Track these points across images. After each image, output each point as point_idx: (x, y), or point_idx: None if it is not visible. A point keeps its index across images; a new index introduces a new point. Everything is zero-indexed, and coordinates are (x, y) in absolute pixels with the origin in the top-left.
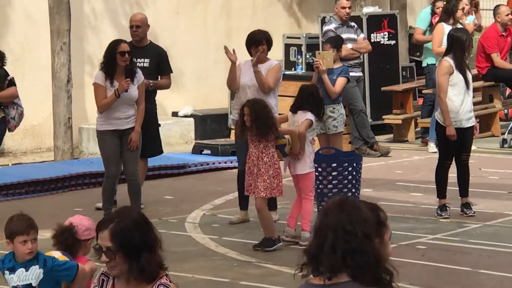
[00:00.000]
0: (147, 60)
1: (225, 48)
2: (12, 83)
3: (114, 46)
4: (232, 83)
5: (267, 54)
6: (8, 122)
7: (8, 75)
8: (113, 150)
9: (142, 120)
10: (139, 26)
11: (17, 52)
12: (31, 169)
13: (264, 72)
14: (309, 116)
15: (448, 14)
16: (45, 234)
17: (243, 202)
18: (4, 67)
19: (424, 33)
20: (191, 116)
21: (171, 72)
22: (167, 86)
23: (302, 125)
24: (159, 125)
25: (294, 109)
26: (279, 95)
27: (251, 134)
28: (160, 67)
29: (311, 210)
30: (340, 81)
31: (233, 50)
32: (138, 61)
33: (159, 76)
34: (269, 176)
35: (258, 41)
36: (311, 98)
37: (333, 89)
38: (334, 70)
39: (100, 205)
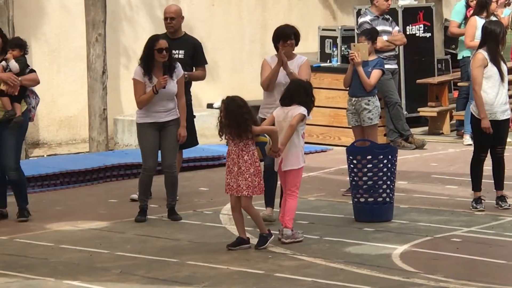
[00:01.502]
0: (181, 52)
1: (279, 48)
2: (32, 71)
3: (152, 43)
4: (271, 84)
5: (293, 50)
6: (29, 111)
7: (29, 65)
8: (151, 142)
9: (186, 114)
10: (173, 18)
11: (53, 43)
12: (66, 160)
13: (295, 68)
14: (302, 110)
15: (482, 7)
16: (81, 225)
17: (268, 198)
18: (26, 55)
19: (459, 26)
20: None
21: (206, 63)
22: (202, 78)
23: (295, 118)
24: (194, 116)
25: (287, 102)
26: (314, 87)
27: (227, 132)
28: (194, 58)
29: (295, 206)
30: (375, 73)
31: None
32: (172, 52)
33: (194, 68)
34: (250, 175)
35: (287, 36)
36: (305, 93)
37: (368, 81)
38: (369, 62)
39: (135, 196)
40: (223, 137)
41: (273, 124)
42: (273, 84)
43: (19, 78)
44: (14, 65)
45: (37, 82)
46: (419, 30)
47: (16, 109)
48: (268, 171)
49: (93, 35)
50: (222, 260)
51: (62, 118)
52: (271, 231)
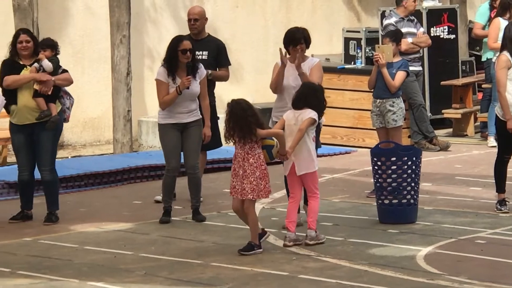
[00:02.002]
0: (205, 53)
1: (280, 50)
2: (65, 71)
3: (176, 43)
4: (279, 86)
5: (305, 52)
6: (64, 112)
7: (61, 66)
8: (174, 143)
9: (209, 114)
10: (197, 20)
11: (77, 44)
12: (90, 161)
13: (307, 70)
14: (313, 114)
15: (505, 8)
16: (105, 227)
17: None
18: (58, 56)
19: (483, 28)
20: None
21: (229, 64)
22: (225, 78)
23: (304, 122)
24: (218, 118)
25: (299, 105)
26: (338, 89)
27: (233, 135)
28: (218, 59)
29: (318, 208)
30: (400, 75)
31: (285, 53)
32: (196, 54)
33: (217, 69)
34: (256, 178)
35: (297, 40)
36: (316, 97)
37: (393, 83)
38: (393, 64)
39: (159, 198)
40: (230, 140)
41: (284, 128)
42: (281, 87)
43: (52, 78)
44: (47, 64)
45: (70, 81)
46: (443, 32)
47: (52, 109)
48: None
49: (118, 36)
50: (246, 261)
51: (86, 119)
52: (261, 246)
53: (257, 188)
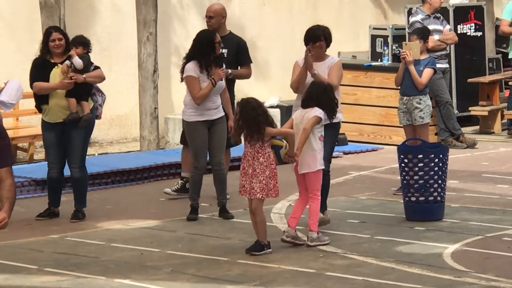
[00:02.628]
0: (224, 50)
1: (307, 51)
2: (97, 68)
3: (212, 36)
4: (300, 86)
5: (325, 50)
6: (96, 109)
7: (93, 63)
8: (203, 141)
9: (231, 106)
10: (211, 17)
11: (104, 42)
12: (117, 159)
13: (325, 69)
14: (319, 113)
15: None
16: (132, 224)
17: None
18: (89, 53)
19: (510, 25)
20: (277, 106)
21: (251, 62)
22: (246, 76)
23: (309, 121)
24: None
25: (307, 104)
26: (365, 86)
27: (242, 134)
28: (239, 57)
29: (318, 209)
30: (427, 72)
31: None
32: None
33: (238, 67)
34: (265, 177)
35: (316, 38)
36: (321, 95)
37: (420, 80)
38: (421, 61)
39: (168, 190)
40: (238, 139)
41: (292, 127)
42: (302, 86)
43: (83, 75)
44: (77, 61)
45: (102, 78)
46: (470, 29)
47: (84, 107)
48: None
49: (144, 34)
50: (273, 259)
51: (113, 116)
52: (270, 246)
53: (266, 187)
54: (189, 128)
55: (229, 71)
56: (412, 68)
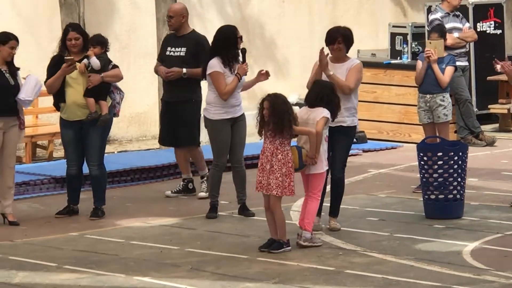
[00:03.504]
0: (183, 49)
1: (321, 50)
2: (116, 66)
3: (234, 31)
4: None
5: (347, 52)
6: (114, 107)
7: (111, 61)
8: (228, 139)
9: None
10: (171, 17)
11: (123, 39)
12: (136, 156)
13: (344, 72)
14: (326, 113)
15: None
16: (151, 222)
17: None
18: (107, 52)
19: None
20: (296, 104)
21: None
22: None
23: (319, 123)
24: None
25: (312, 103)
26: (384, 84)
27: (267, 129)
28: (197, 56)
29: (316, 209)
30: (449, 70)
31: (327, 54)
32: (175, 50)
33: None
34: (282, 174)
35: (333, 40)
36: (331, 95)
37: (444, 78)
38: (443, 59)
39: (168, 193)
40: (262, 134)
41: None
42: None
43: (101, 75)
44: (95, 62)
45: (120, 77)
46: (489, 27)
47: (102, 107)
48: (334, 181)
49: (164, 31)
50: (292, 256)
51: (133, 114)
52: (289, 244)
53: (282, 184)
54: (214, 126)
55: (184, 70)
56: (436, 66)
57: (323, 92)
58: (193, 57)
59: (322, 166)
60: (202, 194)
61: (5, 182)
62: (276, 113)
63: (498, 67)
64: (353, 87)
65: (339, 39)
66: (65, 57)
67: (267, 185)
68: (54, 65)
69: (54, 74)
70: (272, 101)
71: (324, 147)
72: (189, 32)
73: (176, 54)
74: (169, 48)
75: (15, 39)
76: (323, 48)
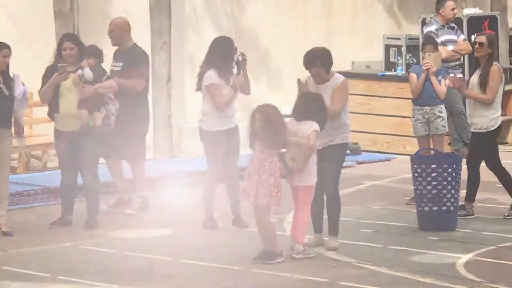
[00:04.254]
0: (120, 64)
1: (298, 81)
2: (109, 77)
3: (231, 42)
4: None
5: (328, 72)
6: (108, 118)
7: (106, 72)
8: (224, 150)
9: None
10: (112, 31)
11: None
12: None
13: (329, 91)
14: (315, 127)
15: None
16: (145, 232)
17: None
18: (102, 64)
19: None
20: (289, 115)
21: (143, 76)
22: (132, 88)
23: (311, 138)
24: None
25: (299, 116)
26: (378, 96)
27: (258, 139)
28: (132, 69)
29: (307, 221)
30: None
31: (305, 82)
32: (115, 64)
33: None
34: (269, 184)
35: (311, 64)
36: (317, 107)
37: (443, 90)
38: (438, 71)
39: (129, 211)
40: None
41: None
42: None
43: (94, 86)
44: (88, 73)
45: (114, 89)
46: None
47: (96, 118)
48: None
49: (158, 43)
50: (286, 268)
51: None
52: (283, 255)
53: (269, 194)
54: (212, 138)
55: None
56: (434, 78)
57: (307, 105)
58: (129, 72)
59: (311, 178)
60: (129, 211)
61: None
62: (268, 125)
63: (447, 81)
64: (339, 110)
65: (317, 63)
66: (58, 65)
67: (254, 195)
68: (48, 75)
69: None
70: (264, 112)
71: (314, 159)
72: (129, 47)
73: (115, 69)
74: (112, 63)
75: (7, 47)
76: (299, 79)
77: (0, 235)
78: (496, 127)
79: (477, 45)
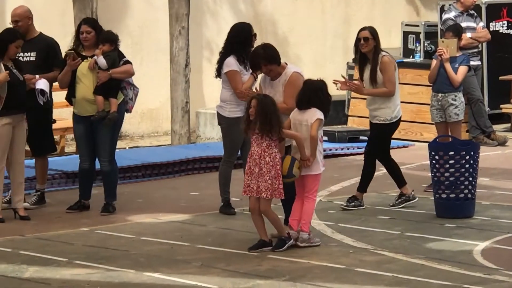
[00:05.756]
0: (33, 54)
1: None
2: (127, 62)
3: (249, 28)
4: None
5: (279, 64)
6: (126, 103)
7: (124, 57)
8: (241, 136)
9: None
10: (17, 21)
11: (136, 35)
12: (148, 152)
13: (281, 87)
14: (319, 115)
15: None
16: (162, 218)
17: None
18: (118, 49)
19: None
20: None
21: (62, 65)
22: (53, 80)
23: (314, 127)
24: (54, 121)
25: (303, 105)
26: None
27: (254, 129)
28: (49, 60)
29: (313, 210)
30: (462, 70)
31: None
32: (25, 55)
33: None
34: (271, 177)
35: (257, 66)
36: (321, 94)
37: (456, 77)
38: (456, 58)
39: (27, 204)
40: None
41: (290, 128)
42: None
43: (109, 72)
44: (101, 61)
45: (130, 74)
46: (502, 27)
47: (112, 104)
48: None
49: (177, 28)
50: (303, 254)
51: (145, 110)
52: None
53: (271, 187)
54: (230, 124)
55: (37, 76)
56: (448, 65)
57: (306, 94)
58: (45, 62)
59: (319, 167)
60: (26, 204)
61: (16, 177)
62: (263, 113)
63: (339, 85)
64: (292, 107)
65: (263, 63)
66: (66, 51)
67: (256, 189)
68: (67, 60)
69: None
70: (260, 100)
71: (320, 147)
72: (36, 36)
73: (26, 59)
74: (20, 54)
75: (22, 38)
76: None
77: (17, 219)
78: (399, 117)
79: (362, 41)
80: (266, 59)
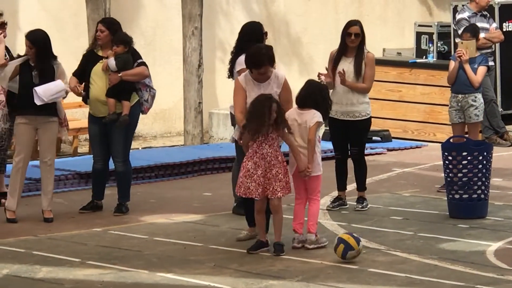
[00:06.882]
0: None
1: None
2: (142, 64)
3: (260, 27)
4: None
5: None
6: (142, 104)
7: (139, 58)
8: None
9: None
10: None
11: (148, 35)
12: (161, 153)
13: (276, 89)
14: (318, 117)
15: None
16: (175, 218)
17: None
18: (130, 52)
19: None
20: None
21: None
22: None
23: (312, 130)
24: None
25: (301, 103)
26: (409, 83)
27: (268, 131)
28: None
29: (318, 211)
30: (481, 70)
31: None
32: None
33: None
34: (284, 175)
35: (260, 63)
36: (321, 96)
37: (476, 78)
38: (475, 59)
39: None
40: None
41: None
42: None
43: (120, 74)
44: (111, 63)
45: (143, 76)
46: None
47: (124, 107)
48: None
49: (190, 28)
50: (316, 254)
51: (157, 111)
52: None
53: (285, 186)
54: None
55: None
56: (468, 66)
57: (308, 92)
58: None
59: (319, 168)
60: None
61: (42, 179)
62: (255, 112)
63: (323, 78)
64: (290, 106)
65: (266, 62)
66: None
67: (272, 190)
68: (84, 60)
69: (82, 69)
70: (275, 101)
71: (317, 148)
72: None
73: None
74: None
75: (28, 38)
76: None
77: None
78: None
79: (352, 36)
80: (270, 61)
